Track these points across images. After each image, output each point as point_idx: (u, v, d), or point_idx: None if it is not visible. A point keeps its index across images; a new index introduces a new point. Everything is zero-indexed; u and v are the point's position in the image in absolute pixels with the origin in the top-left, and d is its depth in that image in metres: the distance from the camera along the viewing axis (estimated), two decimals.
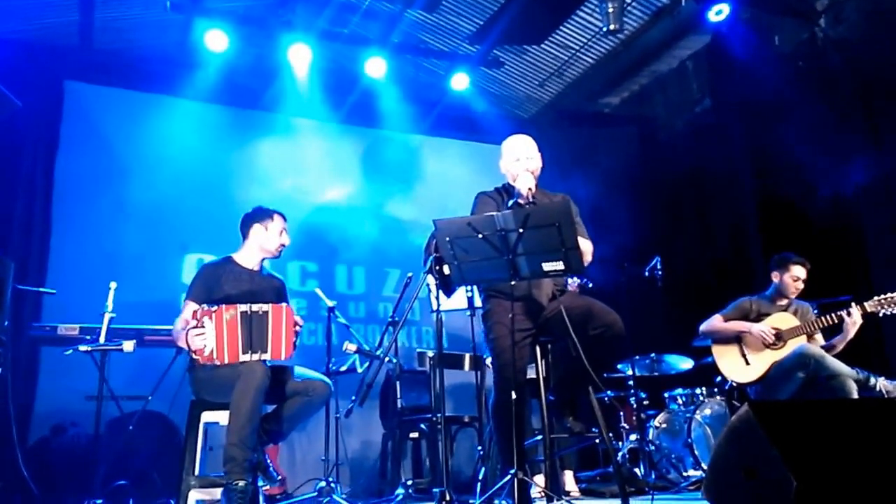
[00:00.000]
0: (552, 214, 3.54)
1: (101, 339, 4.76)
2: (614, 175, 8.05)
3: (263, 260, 4.56)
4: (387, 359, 4.92)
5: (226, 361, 4.01)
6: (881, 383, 4.91)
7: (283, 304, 4.17)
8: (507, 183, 4.23)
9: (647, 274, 5.59)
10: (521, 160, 4.11)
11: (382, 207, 8.12)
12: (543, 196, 4.18)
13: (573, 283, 5.12)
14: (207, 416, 4.18)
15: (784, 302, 5.35)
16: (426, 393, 5.95)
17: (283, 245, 4.55)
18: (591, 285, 5.08)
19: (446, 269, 3.74)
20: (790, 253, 5.36)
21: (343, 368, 5.34)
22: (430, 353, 5.65)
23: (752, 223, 7.20)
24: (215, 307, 4.05)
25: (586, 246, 3.97)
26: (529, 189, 3.93)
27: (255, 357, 4.03)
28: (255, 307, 4.09)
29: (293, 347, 4.15)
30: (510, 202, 3.95)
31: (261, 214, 4.52)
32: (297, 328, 4.23)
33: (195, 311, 4.06)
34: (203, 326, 4.01)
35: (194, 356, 4.06)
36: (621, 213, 7.07)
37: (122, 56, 7.25)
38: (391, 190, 8.17)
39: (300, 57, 7.23)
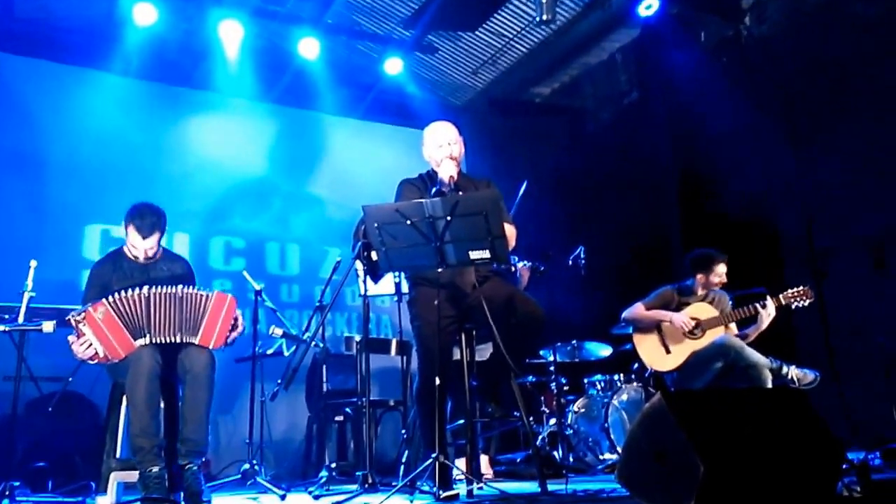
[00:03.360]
0: (480, 203, 3.58)
1: (20, 320, 4.63)
2: (543, 164, 8.15)
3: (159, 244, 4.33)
4: (314, 343, 4.90)
5: (123, 355, 3.92)
6: (792, 372, 5.12)
7: (229, 295, 4.10)
8: (430, 170, 4.24)
9: (570, 263, 5.69)
10: (443, 147, 4.13)
11: (313, 188, 8.10)
12: (467, 182, 4.20)
13: (522, 266, 5.06)
14: None
15: (703, 292, 5.51)
16: (352, 377, 5.98)
17: (145, 254, 4.28)
18: (543, 269, 5.09)
19: (374, 255, 3.77)
20: (710, 250, 5.48)
21: (269, 352, 5.32)
22: (357, 338, 5.68)
23: (674, 214, 7.39)
24: (83, 311, 3.90)
25: (510, 231, 4.01)
26: (451, 177, 3.96)
27: (149, 341, 3.92)
28: (171, 290, 3.97)
29: (224, 341, 4.06)
30: (433, 189, 3.97)
31: (127, 216, 4.26)
32: (239, 327, 4.12)
33: (69, 319, 3.91)
34: (84, 335, 3.89)
35: (93, 362, 3.97)
36: (548, 202, 7.15)
37: (45, 26, 7.04)
38: (322, 172, 8.14)
39: (231, 34, 7.14)
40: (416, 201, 3.64)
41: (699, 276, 5.45)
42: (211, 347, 4.02)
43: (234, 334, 4.12)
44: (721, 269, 5.43)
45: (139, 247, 4.23)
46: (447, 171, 3.95)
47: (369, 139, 8.44)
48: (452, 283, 4.01)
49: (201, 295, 4.03)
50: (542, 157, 8.28)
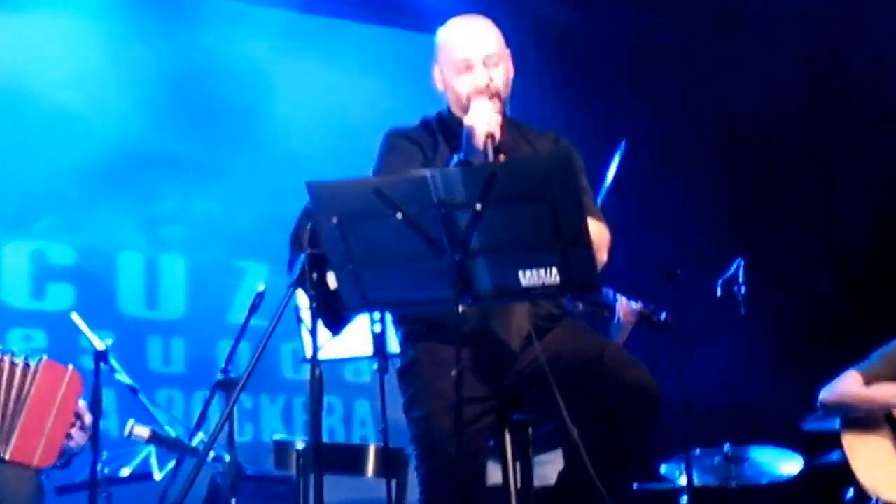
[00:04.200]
0: (540, 173, 2.14)
1: None
2: (664, 106, 5.58)
3: None
4: (212, 454, 3.22)
5: None
6: None
7: (68, 367, 3.04)
8: (446, 113, 2.69)
9: (718, 292, 3.89)
10: (473, 69, 2.55)
11: (216, 151, 4.95)
12: (519, 138, 2.67)
13: (631, 306, 3.44)
14: None
15: None
16: None
17: None
18: (665, 317, 3.44)
19: (332, 281, 2.41)
20: None
21: (125, 472, 3.61)
22: (300, 445, 3.83)
23: None
24: None
25: (599, 233, 2.52)
26: (490, 135, 2.38)
27: None
28: None
29: (58, 452, 2.95)
30: (455, 157, 2.47)
31: None
32: (84, 428, 3.03)
33: None
34: None
35: None
36: (671, 178, 5.21)
37: None
38: (233, 118, 5.01)
39: None
40: (415, 173, 2.25)
41: None
42: (35, 465, 2.95)
43: (79, 440, 3.07)
44: None
45: None
46: (483, 120, 2.40)
47: (316, 50, 5.21)
48: (486, 335, 2.53)
49: (11, 366, 2.97)
50: (661, 92, 5.55)
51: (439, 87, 2.64)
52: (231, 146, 4.88)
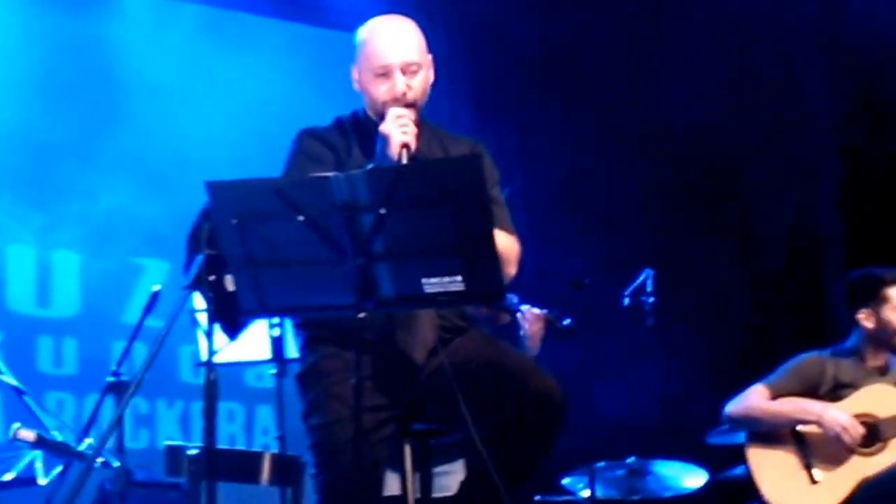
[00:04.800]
0: (447, 178, 2.07)
1: None
2: (575, 112, 5.45)
3: None
4: (100, 459, 3.06)
5: None
6: None
7: None
8: (361, 114, 2.58)
9: (626, 301, 3.79)
10: (392, 76, 2.43)
11: (110, 140, 4.64)
12: (436, 145, 2.57)
13: (534, 313, 3.32)
14: None
15: (879, 361, 3.58)
16: None
17: None
18: (569, 324, 3.32)
19: (230, 283, 2.28)
20: (880, 269, 3.63)
21: (8, 477, 3.29)
22: (193, 450, 3.69)
23: (831, 208, 5.18)
24: None
25: (509, 246, 2.43)
26: (405, 145, 2.30)
27: None
28: None
29: None
30: (369, 166, 2.36)
31: None
32: None
33: None
34: None
35: None
36: (584, 188, 5.01)
37: None
38: (140, 103, 4.73)
39: None
40: (318, 175, 2.14)
41: (863, 316, 3.53)
42: None
43: None
44: None
45: None
46: (398, 130, 2.32)
47: (242, 48, 4.93)
48: (390, 344, 2.42)
49: None
50: (572, 101, 5.39)
51: (356, 87, 2.53)
52: (135, 140, 4.62)
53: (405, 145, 2.27)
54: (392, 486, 2.47)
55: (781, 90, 5.36)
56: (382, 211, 2.00)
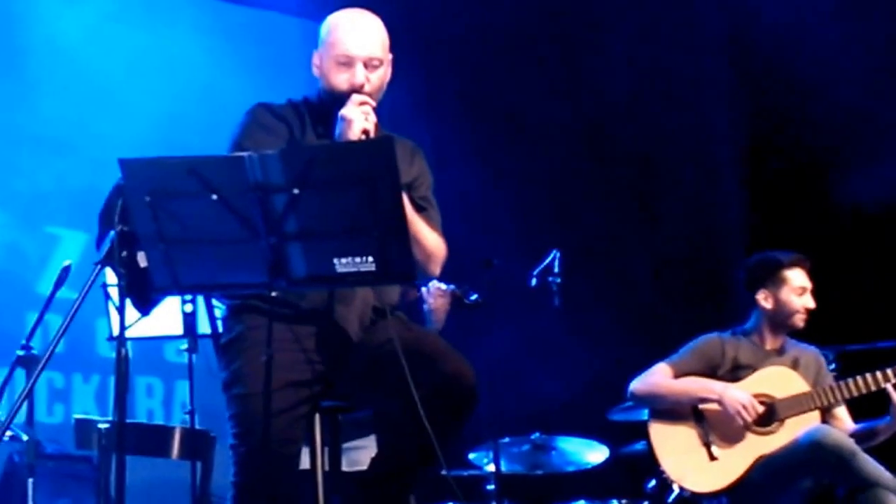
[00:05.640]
0: (360, 159, 2.10)
1: None
2: (495, 98, 5.51)
3: None
4: (9, 433, 3.00)
5: None
6: None
7: None
8: (314, 97, 2.55)
9: (533, 282, 3.76)
10: (353, 67, 2.44)
11: (21, 110, 4.59)
12: None
13: (441, 288, 3.21)
14: None
15: (777, 343, 3.62)
16: (91, 499, 3.89)
17: None
18: (475, 298, 3.27)
19: (142, 259, 2.26)
20: (776, 252, 3.66)
21: None
22: (103, 425, 3.61)
23: (735, 193, 5.26)
24: None
25: (438, 247, 2.48)
26: (365, 131, 2.32)
27: None
28: None
29: None
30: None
31: None
32: None
33: None
34: None
35: None
36: (494, 166, 5.01)
37: None
38: (64, 75, 4.67)
39: None
40: (235, 155, 2.15)
41: (761, 297, 3.56)
42: None
43: None
44: (798, 278, 3.54)
45: None
46: (360, 116, 2.33)
47: (183, 28, 4.77)
48: (325, 314, 2.43)
49: None
50: (483, 83, 5.48)
51: (315, 72, 2.51)
52: (57, 112, 4.51)
53: (366, 132, 2.28)
54: (304, 460, 2.48)
55: (688, 81, 5.48)
56: (296, 191, 2.01)
